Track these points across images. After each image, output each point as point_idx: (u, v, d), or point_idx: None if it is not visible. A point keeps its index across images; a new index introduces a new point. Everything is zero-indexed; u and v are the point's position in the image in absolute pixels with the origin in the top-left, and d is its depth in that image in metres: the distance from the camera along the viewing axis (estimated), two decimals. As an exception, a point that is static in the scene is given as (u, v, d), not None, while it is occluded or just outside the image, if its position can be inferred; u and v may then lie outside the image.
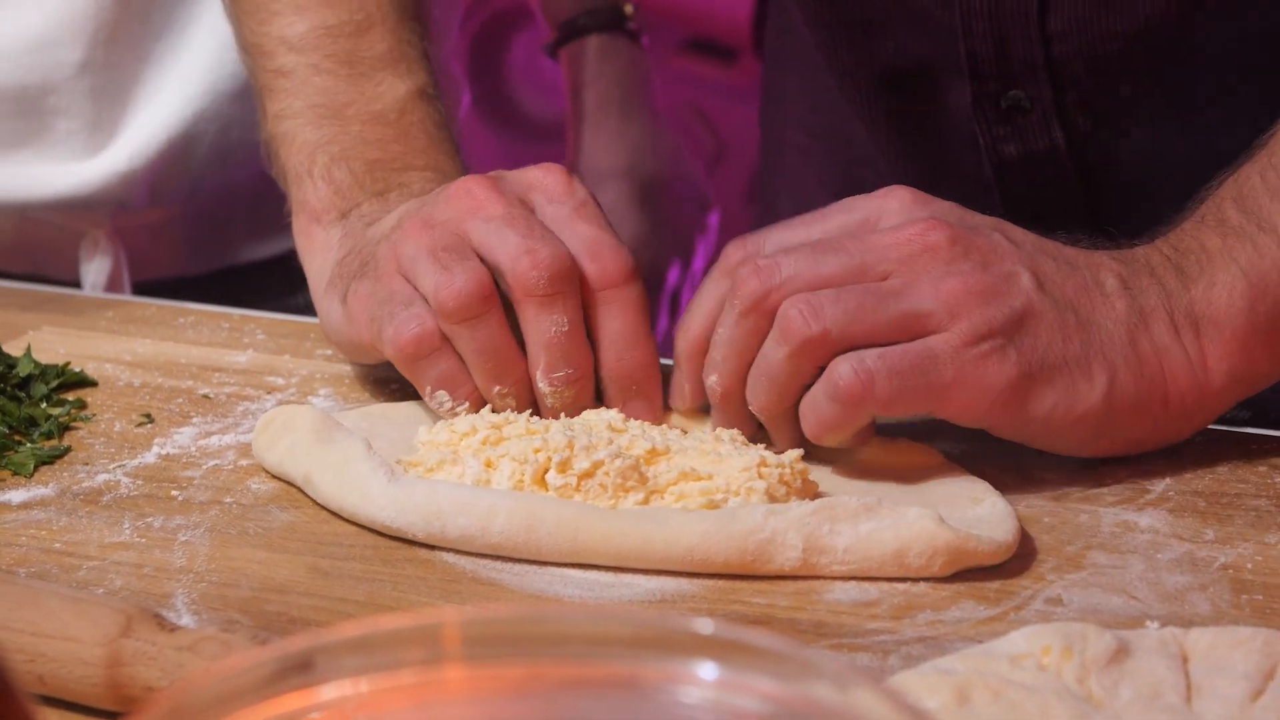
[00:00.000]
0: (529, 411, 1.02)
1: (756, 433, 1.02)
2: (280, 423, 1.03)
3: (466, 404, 1.04)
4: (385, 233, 1.08)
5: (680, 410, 1.05)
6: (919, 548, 0.91)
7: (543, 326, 1.02)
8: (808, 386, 0.98)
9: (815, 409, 0.97)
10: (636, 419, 1.03)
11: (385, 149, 1.17)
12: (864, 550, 0.92)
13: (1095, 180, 1.25)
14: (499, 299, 1.02)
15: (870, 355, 0.95)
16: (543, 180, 1.07)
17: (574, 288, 1.02)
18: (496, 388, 1.03)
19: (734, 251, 1.03)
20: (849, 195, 1.46)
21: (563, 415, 1.03)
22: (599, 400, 1.05)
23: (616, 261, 1.04)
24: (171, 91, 1.45)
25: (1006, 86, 1.23)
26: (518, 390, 1.04)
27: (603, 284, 1.03)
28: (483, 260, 1.03)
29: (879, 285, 0.97)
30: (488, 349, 1.02)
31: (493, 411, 1.03)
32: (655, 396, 1.05)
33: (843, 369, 0.95)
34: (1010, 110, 1.24)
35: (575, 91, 1.84)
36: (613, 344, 1.04)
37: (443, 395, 1.04)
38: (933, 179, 1.31)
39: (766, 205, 1.59)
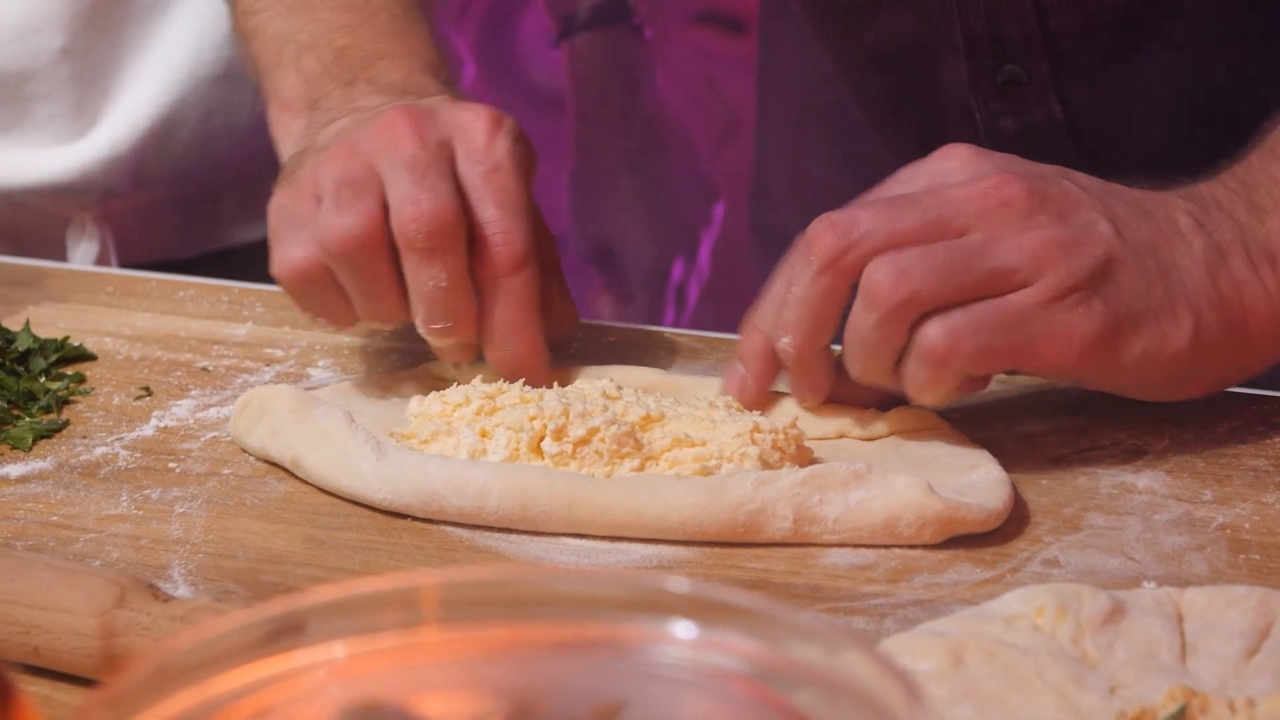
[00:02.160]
0: (522, 381, 1.02)
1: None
2: (257, 404, 1.02)
3: (347, 330, 1.05)
4: (322, 146, 1.07)
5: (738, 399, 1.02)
6: (909, 517, 0.91)
7: (421, 278, 1.01)
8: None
9: (907, 372, 0.96)
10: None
11: (353, 34, 1.16)
12: (854, 520, 0.91)
13: (1092, 150, 1.25)
14: (386, 243, 1.01)
15: (957, 314, 0.94)
16: (469, 126, 1.05)
17: (456, 243, 1.01)
18: (375, 325, 1.04)
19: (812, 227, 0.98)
20: (844, 170, 1.46)
21: (555, 384, 1.03)
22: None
23: (506, 248, 1.02)
24: (152, 77, 1.45)
25: (1002, 61, 1.22)
26: (397, 326, 1.04)
27: (490, 273, 1.03)
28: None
29: (962, 242, 0.95)
30: (369, 292, 1.02)
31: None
32: (539, 383, 1.03)
33: (930, 330, 0.94)
34: (1007, 85, 1.23)
35: (577, 86, 1.83)
36: (496, 333, 1.03)
37: (323, 323, 1.05)
38: (928, 154, 1.31)
39: (763, 182, 1.58)
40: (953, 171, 0.99)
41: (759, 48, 1.60)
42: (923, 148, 1.30)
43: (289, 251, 1.02)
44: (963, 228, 0.95)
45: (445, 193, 1.02)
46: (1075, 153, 1.24)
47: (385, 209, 1.02)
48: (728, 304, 1.91)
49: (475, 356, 1.05)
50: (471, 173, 1.04)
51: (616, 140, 1.81)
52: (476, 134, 1.05)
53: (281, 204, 1.05)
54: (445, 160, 1.04)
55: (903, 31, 1.25)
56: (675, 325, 1.82)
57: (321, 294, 1.03)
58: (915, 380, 0.95)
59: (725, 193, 1.95)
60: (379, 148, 1.03)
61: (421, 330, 1.03)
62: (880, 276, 0.94)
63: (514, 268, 1.03)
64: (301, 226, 1.03)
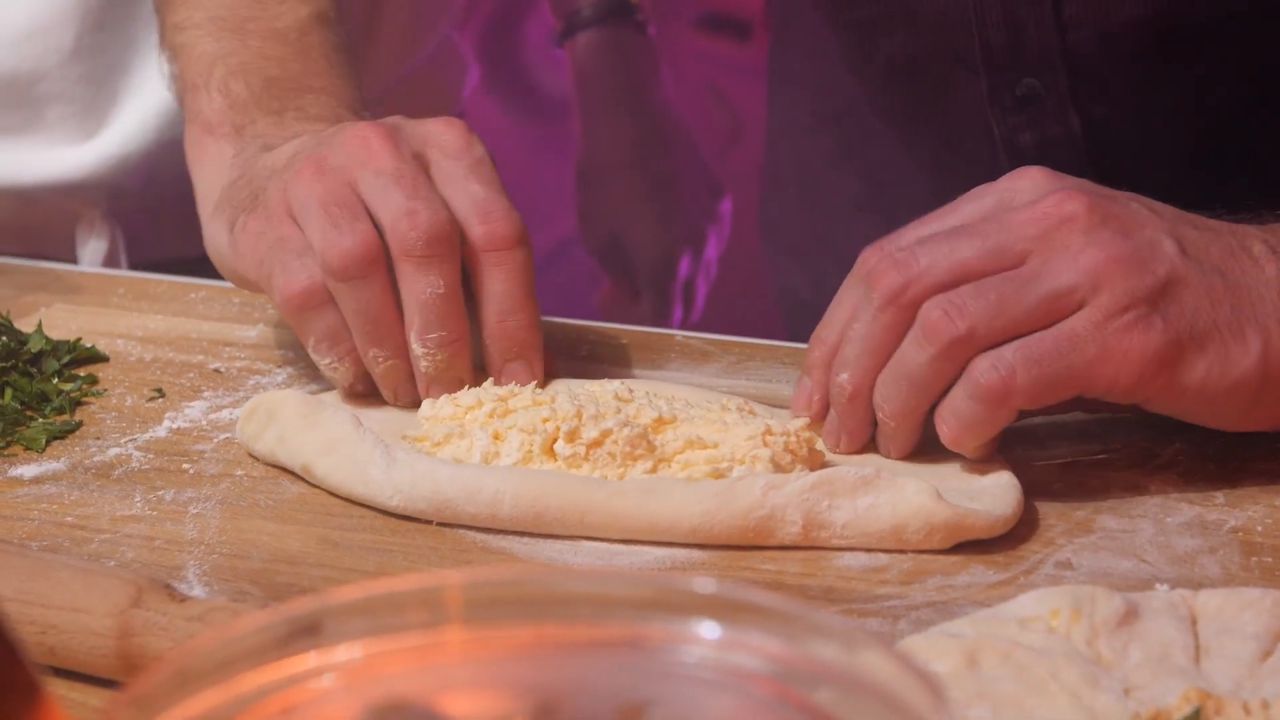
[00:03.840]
0: (533, 383, 1.02)
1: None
2: (264, 410, 1.02)
3: (347, 361, 1.03)
4: (277, 168, 1.07)
5: (805, 417, 1.00)
6: (916, 524, 0.91)
7: (418, 287, 1.01)
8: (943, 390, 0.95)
9: (956, 412, 0.94)
10: (513, 382, 1.02)
11: (284, 67, 1.17)
12: (862, 526, 0.92)
13: (1111, 165, 1.24)
14: (385, 263, 1.02)
15: (1008, 348, 0.92)
16: (441, 135, 1.06)
17: (453, 252, 1.02)
18: (373, 351, 1.02)
19: (870, 255, 0.97)
20: (857, 176, 1.46)
21: (532, 383, 1.03)
22: (478, 370, 1.04)
23: (505, 224, 1.03)
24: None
25: (1021, 75, 1.22)
26: (395, 356, 1.03)
27: (489, 245, 1.03)
28: (369, 213, 1.03)
29: (1018, 273, 0.93)
30: (367, 311, 1.02)
31: (373, 374, 1.03)
32: (535, 360, 1.04)
33: (981, 366, 0.92)
34: (1025, 99, 1.23)
35: (582, 84, 1.83)
36: (496, 305, 1.03)
37: (325, 348, 1.04)
38: (946, 166, 1.31)
39: (773, 186, 1.59)
40: (1022, 191, 0.97)
41: (770, 52, 1.60)
42: (940, 160, 1.30)
43: (294, 278, 1.02)
44: (1022, 254, 0.94)
45: (439, 203, 1.02)
46: (1093, 167, 1.24)
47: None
48: (736, 302, 1.91)
49: (413, 398, 1.04)
50: (455, 169, 1.05)
51: (621, 137, 1.81)
52: (452, 139, 1.06)
53: (259, 231, 1.05)
54: (425, 173, 1.04)
55: (921, 45, 1.25)
56: (684, 323, 1.82)
57: (328, 316, 1.02)
58: (964, 420, 0.93)
59: (731, 191, 1.95)
60: (353, 162, 1.04)
61: (416, 345, 1.02)
62: (936, 313, 0.92)
63: (513, 242, 1.03)
64: (300, 254, 1.02)
